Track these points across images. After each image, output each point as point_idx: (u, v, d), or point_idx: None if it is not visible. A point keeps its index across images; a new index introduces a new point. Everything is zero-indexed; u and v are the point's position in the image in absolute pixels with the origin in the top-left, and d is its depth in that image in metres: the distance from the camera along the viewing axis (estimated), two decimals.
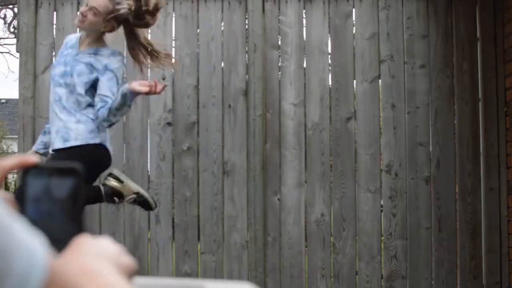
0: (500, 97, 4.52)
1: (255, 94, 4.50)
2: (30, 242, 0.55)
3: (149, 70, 4.58)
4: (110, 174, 3.49)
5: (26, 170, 0.67)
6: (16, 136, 4.56)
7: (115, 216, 4.45)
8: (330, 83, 4.61)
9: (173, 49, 4.59)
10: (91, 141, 3.32)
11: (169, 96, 4.55)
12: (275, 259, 4.45)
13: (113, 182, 3.47)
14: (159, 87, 3.18)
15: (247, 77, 4.54)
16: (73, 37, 3.54)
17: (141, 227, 4.46)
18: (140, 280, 0.85)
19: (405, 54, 4.58)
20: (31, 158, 0.68)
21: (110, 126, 3.38)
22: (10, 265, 0.52)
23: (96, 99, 3.30)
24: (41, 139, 3.62)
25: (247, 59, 4.56)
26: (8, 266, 0.52)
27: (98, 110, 3.28)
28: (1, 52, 15.64)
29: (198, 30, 4.61)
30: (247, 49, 4.58)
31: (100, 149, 3.36)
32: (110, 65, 3.33)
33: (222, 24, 4.60)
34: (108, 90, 3.29)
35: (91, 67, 3.34)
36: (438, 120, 4.54)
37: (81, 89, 3.33)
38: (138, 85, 3.19)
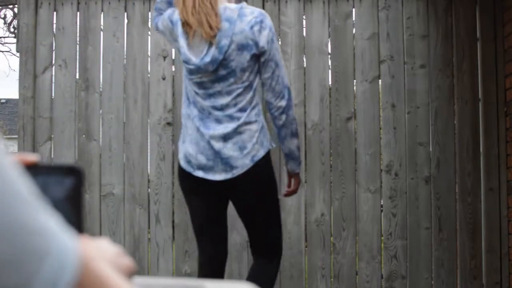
0: (500, 97, 4.52)
1: None
2: (62, 231, 0.57)
3: (149, 69, 4.58)
4: None
5: (25, 169, 0.66)
6: (16, 136, 4.55)
7: (115, 216, 4.44)
8: (330, 83, 4.61)
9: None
10: None
11: (169, 96, 4.55)
12: None
13: None
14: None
15: None
16: None
17: (141, 227, 4.46)
18: (140, 280, 0.85)
19: (405, 54, 4.58)
20: (30, 156, 0.67)
21: None
22: (49, 245, 0.54)
23: None
24: None
25: None
26: (47, 246, 0.54)
27: None
28: (2, 51, 15.61)
29: None
30: None
31: None
32: None
33: None
34: None
35: None
36: (438, 120, 4.54)
37: None
38: None
